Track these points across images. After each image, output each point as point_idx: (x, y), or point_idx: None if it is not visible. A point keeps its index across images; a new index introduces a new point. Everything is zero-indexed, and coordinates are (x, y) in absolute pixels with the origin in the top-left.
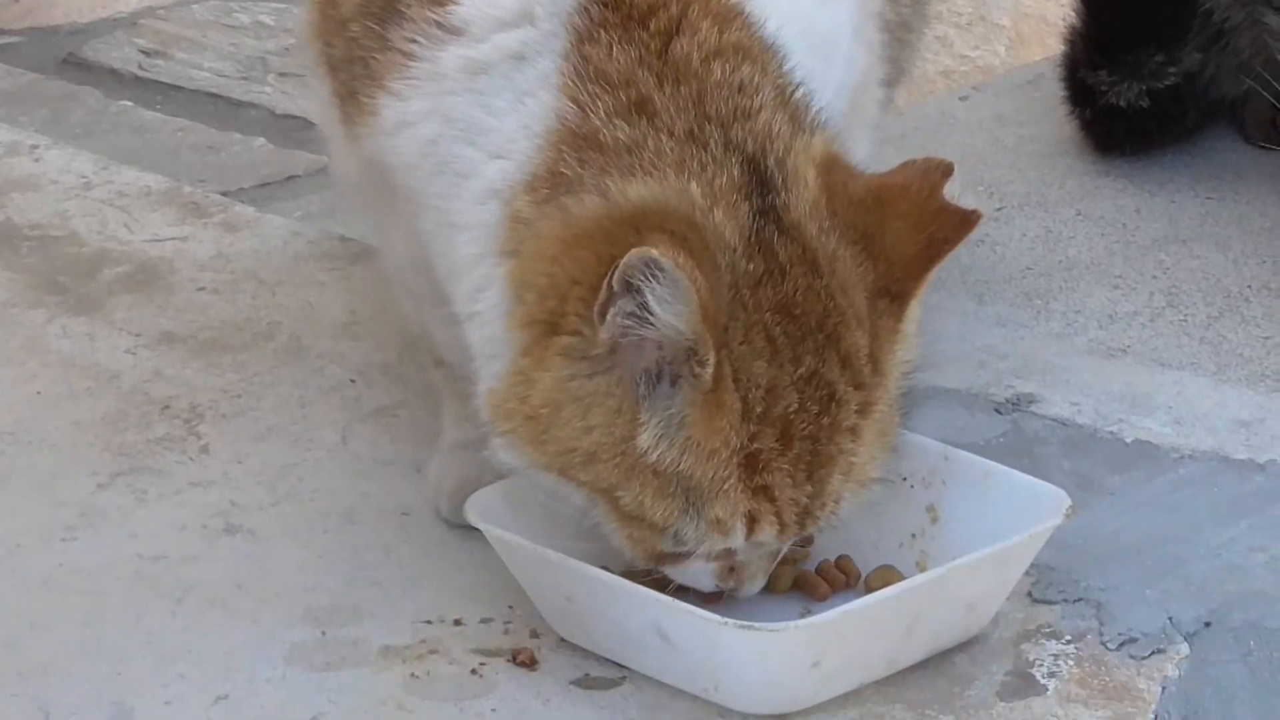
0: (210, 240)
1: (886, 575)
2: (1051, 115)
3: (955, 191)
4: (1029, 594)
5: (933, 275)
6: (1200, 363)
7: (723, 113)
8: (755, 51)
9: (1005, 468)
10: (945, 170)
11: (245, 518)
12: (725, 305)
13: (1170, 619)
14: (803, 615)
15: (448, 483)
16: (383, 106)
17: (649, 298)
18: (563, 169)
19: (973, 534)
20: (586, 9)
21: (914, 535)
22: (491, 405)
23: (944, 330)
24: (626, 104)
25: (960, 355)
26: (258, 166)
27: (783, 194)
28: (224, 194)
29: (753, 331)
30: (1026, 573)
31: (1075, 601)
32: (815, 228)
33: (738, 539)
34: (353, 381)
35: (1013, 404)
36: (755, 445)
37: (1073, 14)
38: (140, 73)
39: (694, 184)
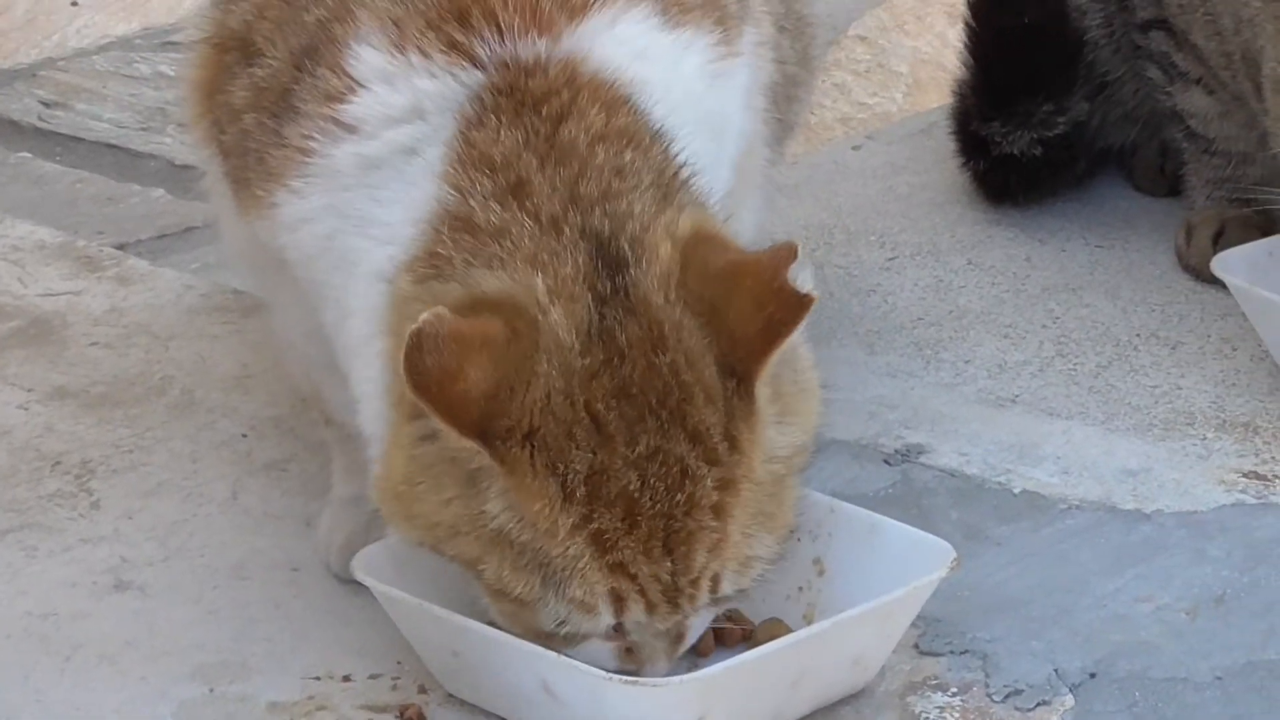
0: (104, 294)
1: (774, 628)
2: (944, 164)
3: (795, 274)
4: (915, 646)
5: (774, 358)
6: (1089, 412)
7: (592, 195)
8: (640, 136)
9: (891, 520)
10: (791, 252)
11: (135, 574)
12: (511, 406)
13: (1056, 670)
14: (690, 669)
15: (337, 538)
16: (281, 203)
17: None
18: (439, 249)
19: (859, 587)
20: (480, 96)
21: (801, 588)
22: (373, 483)
23: (834, 381)
24: (505, 186)
25: (850, 406)
26: (156, 218)
27: (633, 270)
28: (120, 247)
29: (574, 423)
30: (913, 624)
31: (961, 653)
32: (662, 300)
33: (606, 617)
34: (244, 436)
35: (902, 455)
36: (595, 525)
37: (961, 67)
38: (40, 124)
39: (540, 277)
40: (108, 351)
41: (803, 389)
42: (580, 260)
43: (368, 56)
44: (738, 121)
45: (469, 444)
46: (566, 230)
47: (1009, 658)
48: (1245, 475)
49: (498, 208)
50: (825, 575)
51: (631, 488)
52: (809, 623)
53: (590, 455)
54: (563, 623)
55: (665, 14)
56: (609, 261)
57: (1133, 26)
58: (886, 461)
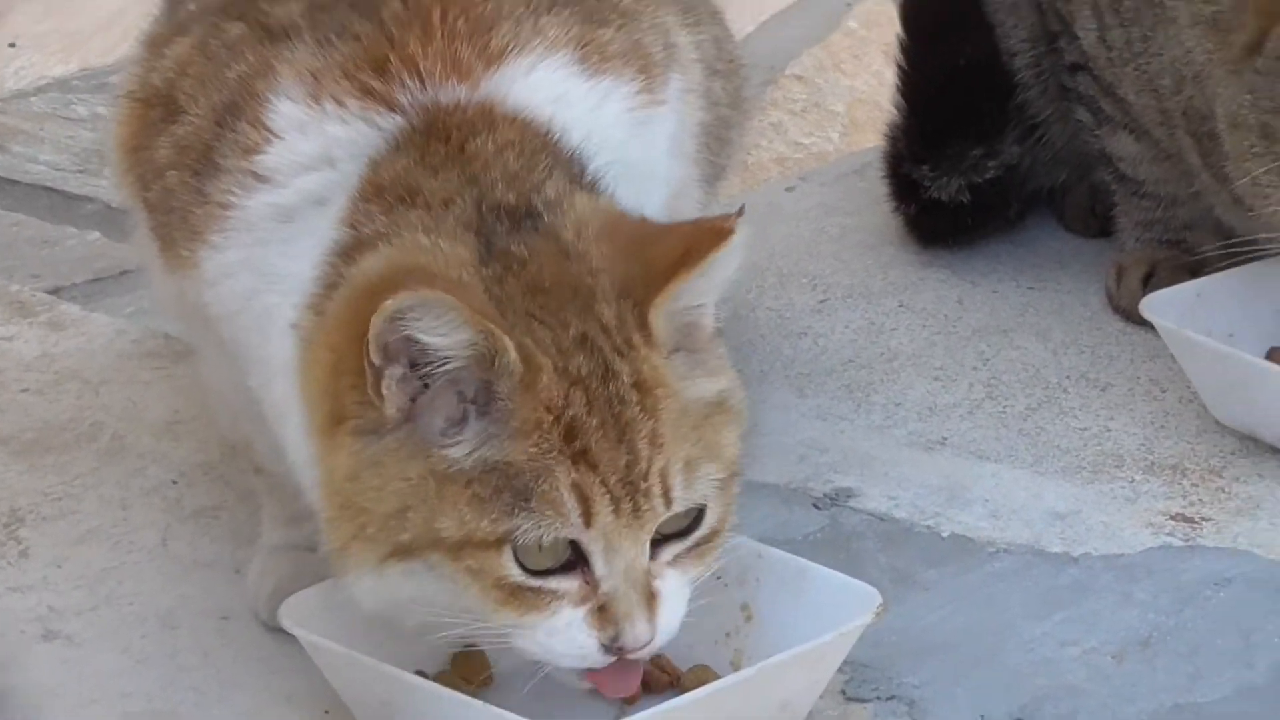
0: (35, 340)
1: (701, 675)
2: (877, 205)
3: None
4: (842, 692)
5: (678, 287)
6: (1018, 454)
7: (494, 178)
8: (557, 150)
9: (818, 566)
10: (738, 212)
11: (63, 623)
12: (484, 298)
13: (983, 716)
14: (618, 717)
15: (266, 585)
16: (203, 259)
17: (421, 338)
18: (332, 280)
19: (786, 632)
20: (394, 138)
21: (728, 634)
22: (322, 522)
23: (764, 425)
24: (394, 199)
25: (780, 449)
26: (92, 260)
27: (546, 217)
28: (54, 291)
29: (516, 310)
30: (840, 670)
31: (888, 699)
32: (573, 235)
33: (574, 517)
34: (174, 482)
35: (831, 498)
36: (570, 412)
37: (893, 110)
38: None
39: (421, 236)
40: (38, 398)
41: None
42: (468, 217)
43: (285, 108)
44: (664, 168)
45: (484, 330)
46: (459, 202)
47: (936, 703)
48: (1172, 518)
49: (383, 217)
50: (753, 621)
51: (582, 370)
52: (736, 669)
53: (547, 342)
54: (526, 553)
55: (584, 62)
56: (513, 216)
57: (1061, 69)
58: (816, 505)
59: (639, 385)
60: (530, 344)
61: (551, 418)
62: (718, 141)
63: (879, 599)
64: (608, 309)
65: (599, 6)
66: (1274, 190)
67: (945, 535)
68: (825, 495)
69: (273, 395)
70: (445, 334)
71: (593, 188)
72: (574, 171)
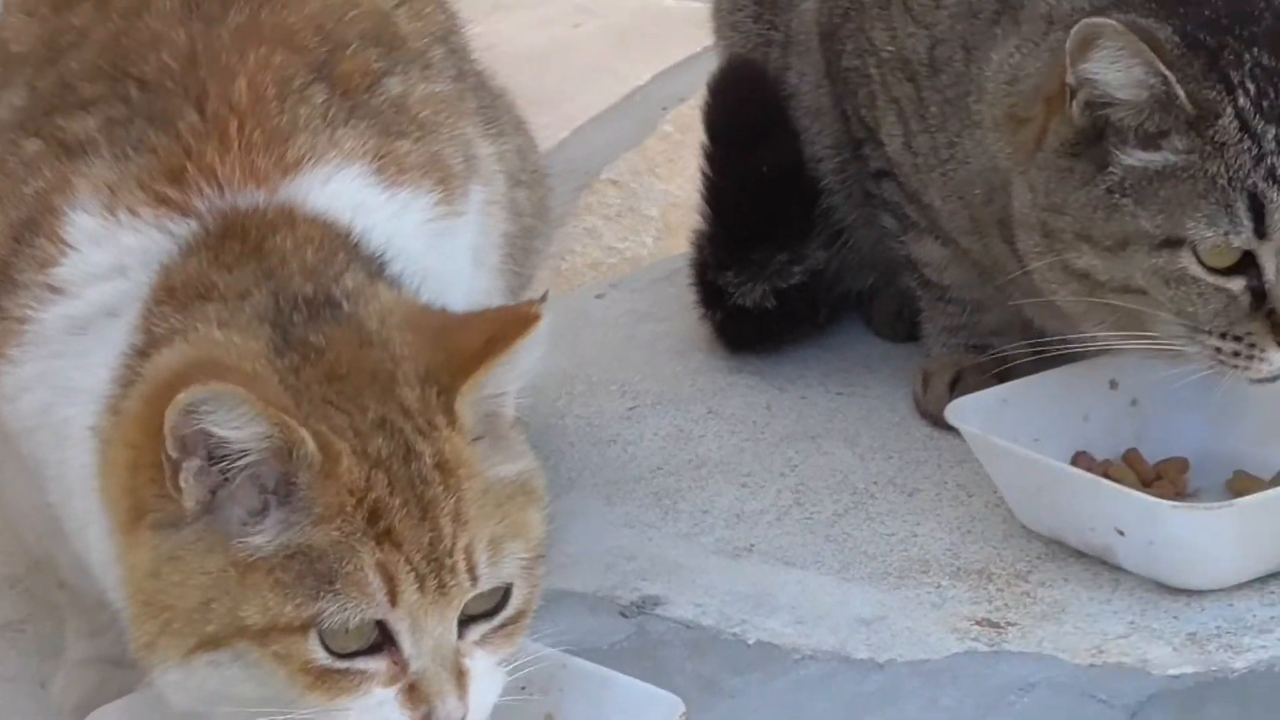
0: None
1: None
2: (687, 311)
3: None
4: None
5: (486, 374)
6: (825, 560)
7: (291, 271)
8: (357, 249)
9: (622, 675)
10: (542, 296)
11: None
12: (279, 389)
13: None
14: None
15: (71, 699)
16: (3, 374)
17: (215, 431)
18: (129, 379)
19: None
20: (189, 243)
21: None
22: (129, 634)
23: (572, 533)
24: (189, 298)
25: (588, 557)
26: None
27: (345, 307)
28: None
29: (313, 398)
30: None
31: None
32: (377, 323)
33: (379, 598)
34: None
35: (638, 606)
36: (373, 494)
37: (699, 217)
38: None
39: (215, 331)
40: None
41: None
42: (263, 309)
43: (80, 221)
44: (466, 279)
45: (279, 423)
46: (255, 294)
47: None
48: (978, 623)
49: (179, 317)
50: None
51: (384, 453)
52: None
53: (345, 427)
54: (332, 636)
55: (382, 173)
56: (311, 306)
57: (866, 175)
58: (622, 613)
59: (441, 465)
60: (326, 431)
61: (354, 501)
62: (522, 252)
63: (682, 707)
64: (410, 393)
65: (397, 119)
66: (1059, 286)
67: (751, 642)
68: (632, 603)
69: (72, 508)
70: (239, 427)
71: (394, 283)
72: (373, 268)
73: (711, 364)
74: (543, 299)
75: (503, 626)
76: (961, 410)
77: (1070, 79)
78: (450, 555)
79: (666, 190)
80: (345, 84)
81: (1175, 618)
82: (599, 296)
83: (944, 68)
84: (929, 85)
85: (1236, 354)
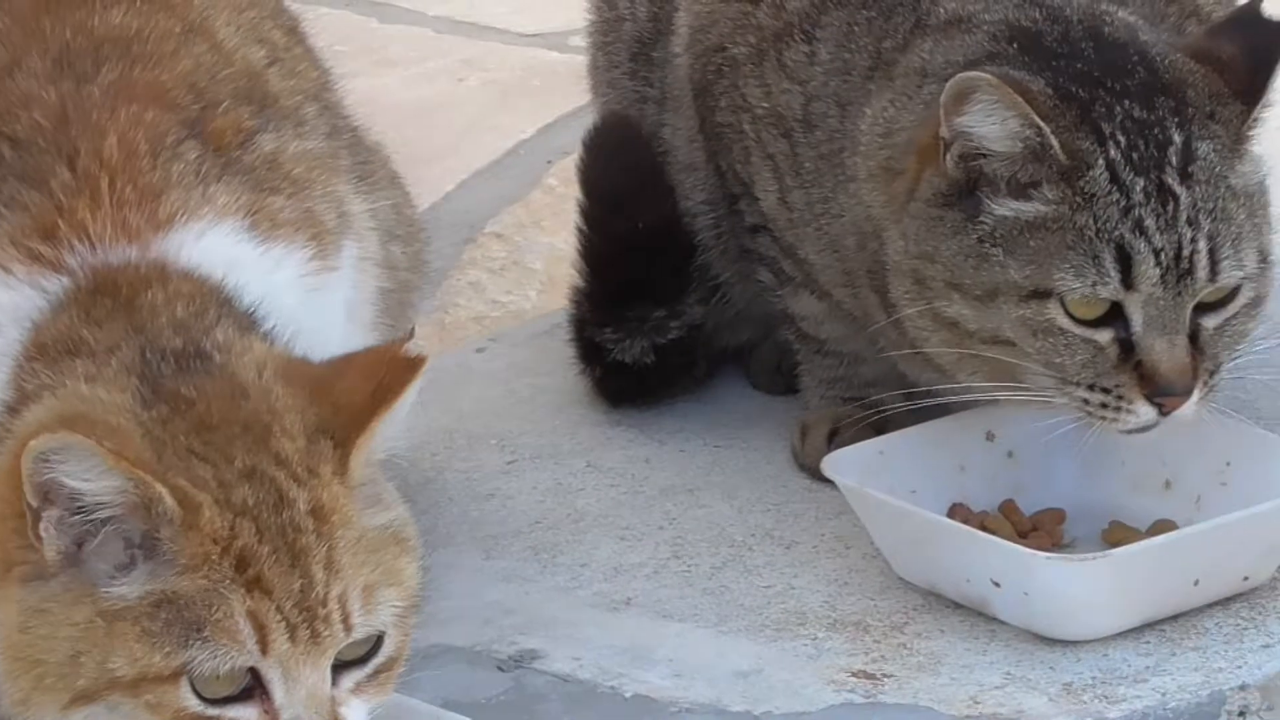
0: None
1: None
2: (567, 365)
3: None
4: None
5: (379, 424)
6: (702, 614)
7: (161, 325)
8: (229, 304)
9: None
10: (407, 333)
11: None
12: (141, 441)
13: None
14: None
15: None
16: None
17: (68, 483)
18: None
19: None
20: (61, 299)
21: None
22: (2, 692)
23: (451, 588)
24: (59, 353)
25: (466, 612)
26: None
27: (217, 358)
28: None
29: (178, 450)
30: None
31: None
32: (253, 375)
33: (250, 645)
34: None
35: (515, 661)
36: (239, 541)
37: (576, 275)
38: None
39: (82, 385)
40: None
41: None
42: (131, 362)
43: None
44: (340, 334)
45: (134, 477)
46: (123, 349)
47: None
48: (854, 674)
49: (49, 372)
50: None
51: (250, 502)
52: None
53: (208, 478)
54: (203, 681)
55: (255, 229)
56: (180, 359)
57: (742, 230)
58: (500, 668)
59: (316, 514)
60: (186, 484)
61: (219, 550)
62: (399, 306)
63: None
64: (290, 444)
65: (270, 175)
66: (930, 334)
67: (628, 695)
68: (510, 657)
69: None
70: (91, 479)
71: (267, 337)
72: (246, 321)
73: (591, 418)
74: (410, 335)
75: (376, 674)
76: (838, 463)
77: (945, 132)
78: (324, 604)
79: (551, 243)
80: (218, 141)
81: (1051, 668)
82: (480, 351)
83: (819, 123)
84: (803, 141)
85: (1104, 405)
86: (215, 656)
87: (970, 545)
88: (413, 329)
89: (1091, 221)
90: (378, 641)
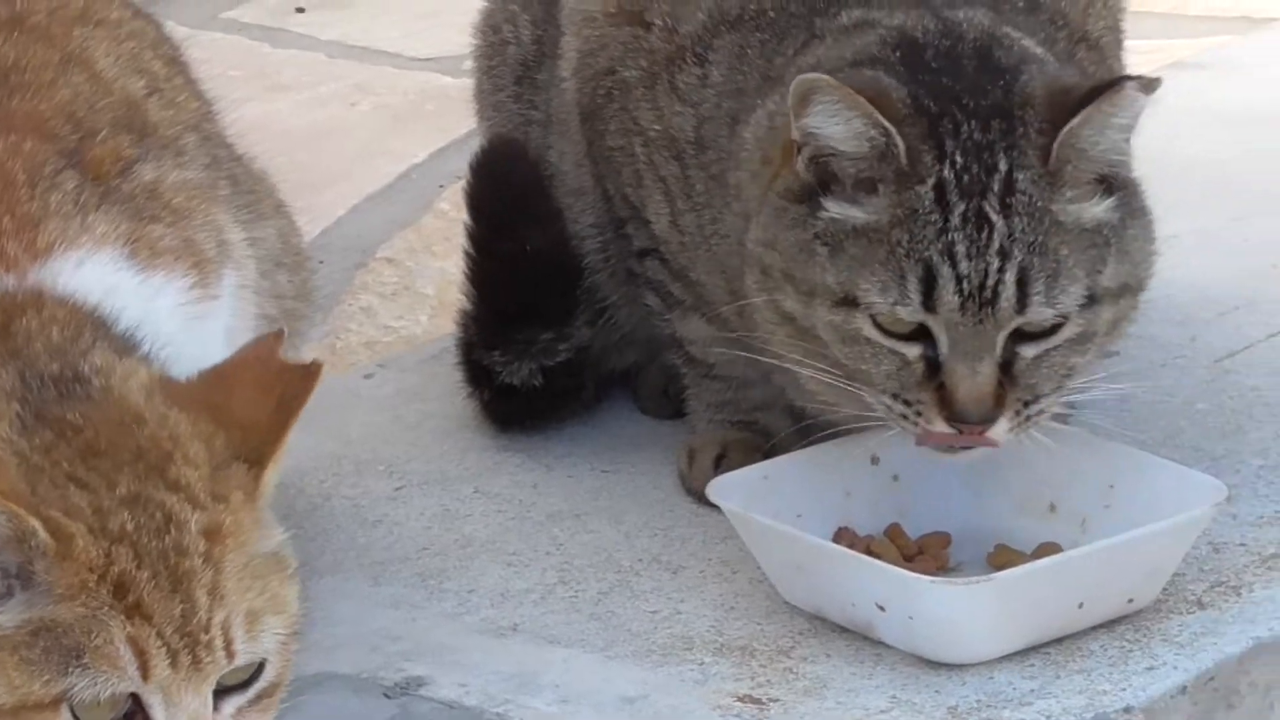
0: None
1: None
2: (455, 390)
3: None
4: None
5: (289, 435)
6: (589, 639)
7: (37, 350)
8: (106, 329)
9: None
10: (277, 335)
11: None
12: (16, 471)
13: None
14: None
15: None
16: None
17: None
18: None
19: None
20: None
21: None
22: None
23: (337, 615)
24: None
25: (353, 639)
26: None
27: (97, 382)
28: None
29: (57, 478)
30: None
31: None
32: (142, 398)
33: (130, 671)
34: None
35: (402, 687)
36: (116, 568)
37: (463, 298)
38: None
39: None
40: None
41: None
42: (11, 387)
43: None
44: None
45: (5, 510)
46: (1, 374)
47: None
48: (740, 699)
49: None
50: None
51: (129, 528)
52: None
53: (84, 506)
54: (91, 708)
55: (135, 257)
56: (59, 383)
57: (629, 255)
58: (386, 694)
59: (209, 537)
60: (59, 516)
61: (96, 577)
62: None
63: None
64: (192, 470)
65: (150, 204)
66: (776, 328)
67: None
68: (396, 684)
69: None
70: None
71: (145, 360)
72: (123, 345)
73: (479, 443)
74: (279, 335)
75: (258, 699)
76: (723, 487)
77: (795, 134)
78: (206, 630)
79: (443, 268)
80: (96, 170)
81: (937, 692)
82: (367, 376)
83: (710, 144)
84: (695, 163)
85: (904, 416)
86: (95, 683)
87: (855, 569)
88: (282, 330)
89: (906, 239)
90: (260, 667)
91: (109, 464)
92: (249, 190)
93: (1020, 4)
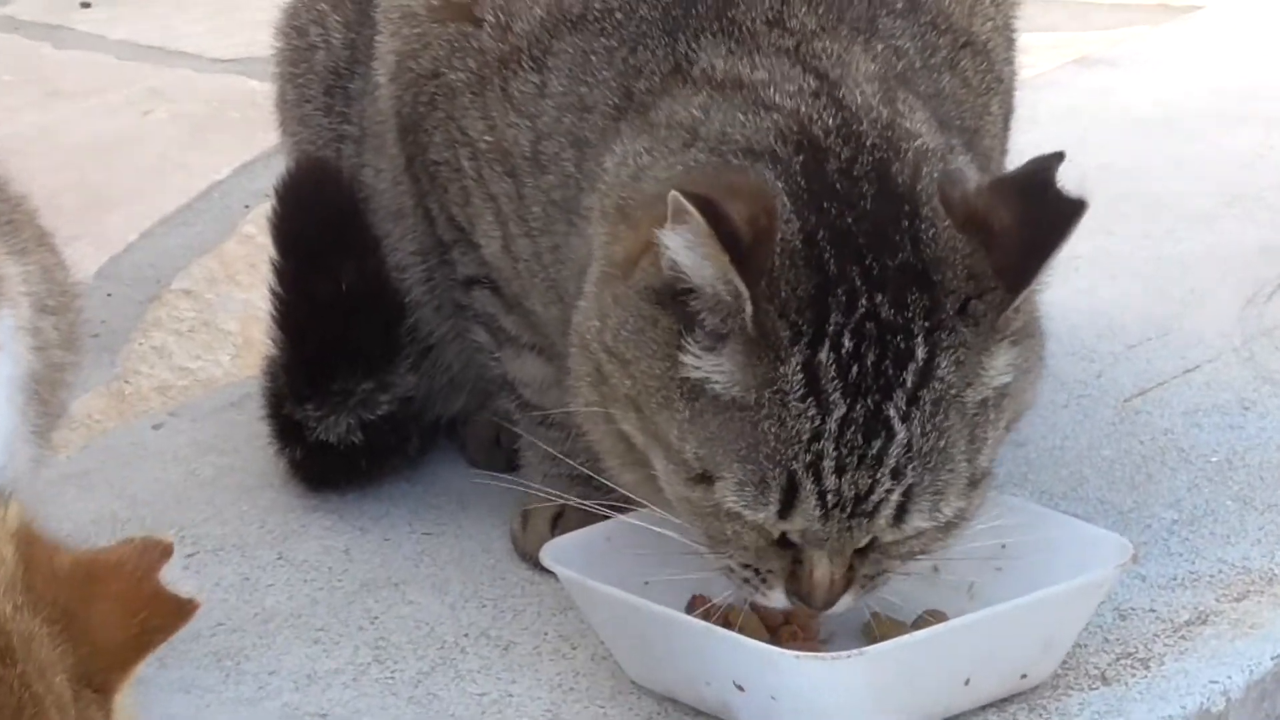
0: None
1: None
2: (257, 441)
3: (174, 575)
4: None
5: (140, 668)
6: None
7: None
8: None
9: None
10: (164, 551)
11: None
12: None
13: None
14: None
15: None
16: None
17: None
18: None
19: None
20: None
21: None
22: None
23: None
24: None
25: None
26: None
27: None
28: None
29: None
30: None
31: None
32: (10, 608)
33: None
34: None
35: None
36: None
37: (271, 343)
38: None
39: None
40: None
41: None
42: None
43: None
44: (6, 423)
45: None
46: None
47: None
48: None
49: None
50: None
51: None
52: None
53: None
54: None
55: None
56: None
57: (455, 284)
58: None
59: None
60: None
61: None
62: (50, 387)
63: None
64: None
65: None
66: (603, 437)
67: None
68: None
69: None
70: None
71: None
72: None
73: (284, 502)
74: (166, 550)
75: None
76: (560, 550)
77: (661, 236)
78: None
79: (247, 300)
80: None
81: None
82: (157, 427)
83: (550, 166)
84: (531, 184)
85: (747, 581)
86: None
87: (710, 643)
88: (170, 545)
89: (771, 437)
90: None
91: None
92: (9, 219)
93: (899, 5)
